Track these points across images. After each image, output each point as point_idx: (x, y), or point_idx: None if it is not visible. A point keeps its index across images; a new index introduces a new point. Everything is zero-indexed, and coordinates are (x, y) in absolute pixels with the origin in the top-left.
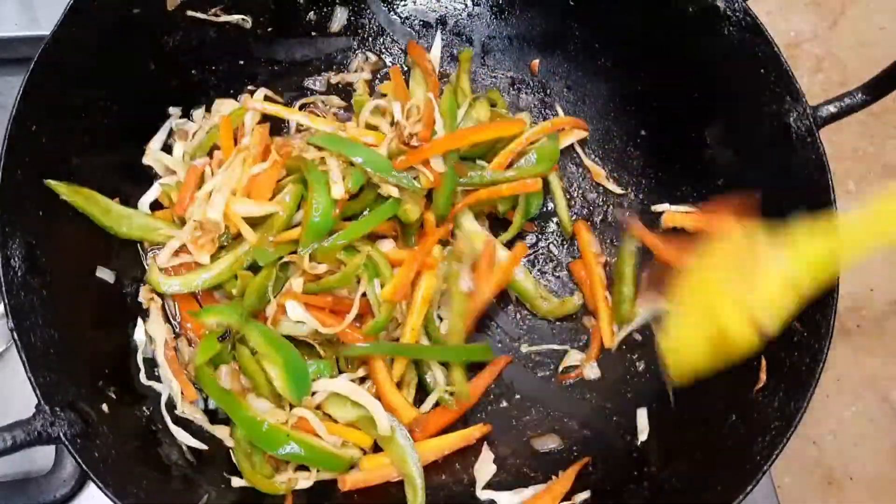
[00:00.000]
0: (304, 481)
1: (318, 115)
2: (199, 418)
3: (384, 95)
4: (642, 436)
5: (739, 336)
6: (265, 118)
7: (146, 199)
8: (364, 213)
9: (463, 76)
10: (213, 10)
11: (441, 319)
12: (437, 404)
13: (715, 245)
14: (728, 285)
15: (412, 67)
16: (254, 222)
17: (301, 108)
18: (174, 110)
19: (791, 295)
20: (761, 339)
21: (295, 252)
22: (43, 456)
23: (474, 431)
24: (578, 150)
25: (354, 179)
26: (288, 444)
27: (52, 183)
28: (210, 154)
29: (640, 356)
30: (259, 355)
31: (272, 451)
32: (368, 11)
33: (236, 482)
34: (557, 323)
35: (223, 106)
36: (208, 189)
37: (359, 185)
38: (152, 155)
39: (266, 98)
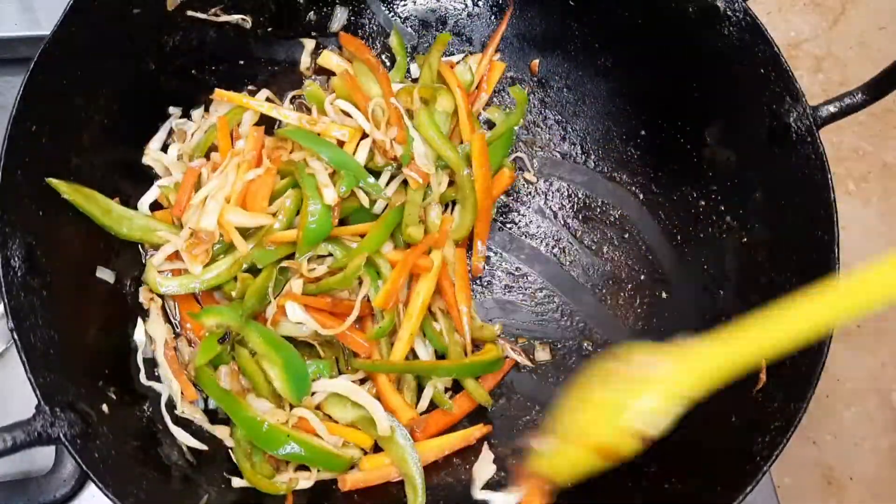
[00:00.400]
0: (305, 481)
1: (307, 107)
2: (199, 418)
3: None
4: None
5: (619, 446)
6: (262, 119)
7: (146, 200)
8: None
9: (434, 54)
10: (213, 10)
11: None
12: (436, 406)
13: (590, 371)
14: (602, 404)
15: (354, 62)
16: (247, 231)
17: (292, 99)
18: (174, 110)
19: (673, 401)
20: (644, 443)
21: (292, 256)
22: (43, 456)
23: (474, 431)
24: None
25: (346, 183)
26: (288, 444)
27: (53, 181)
28: (207, 155)
29: None
30: (258, 356)
31: (272, 451)
32: (368, 11)
33: (236, 482)
34: (563, 321)
35: (221, 105)
36: (203, 195)
37: (350, 189)
38: (152, 155)
39: (267, 100)
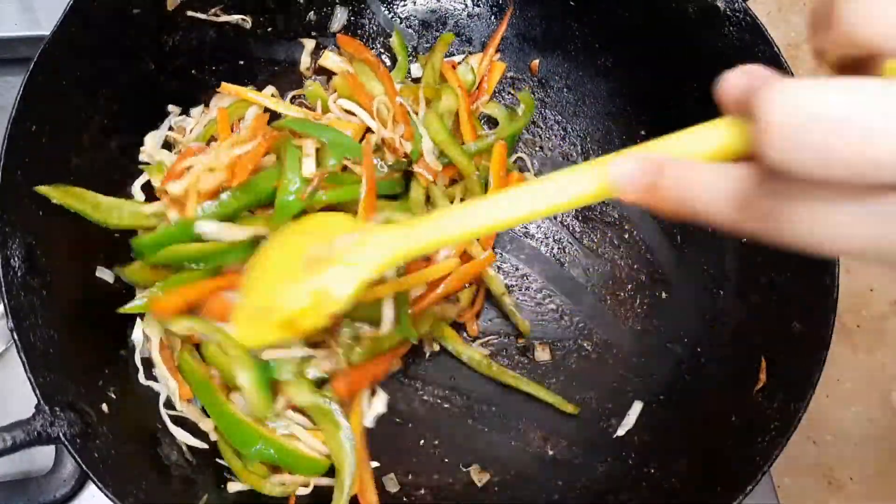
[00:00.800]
0: (303, 489)
1: (307, 107)
2: (197, 416)
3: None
4: (623, 430)
5: (304, 316)
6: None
7: (137, 183)
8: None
9: (437, 55)
10: (213, 10)
11: None
12: None
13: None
14: (293, 277)
15: (354, 62)
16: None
17: (292, 99)
18: (174, 109)
19: (356, 281)
20: (329, 317)
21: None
22: (43, 456)
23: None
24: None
25: (335, 155)
26: (258, 443)
27: (42, 189)
28: (207, 144)
29: (639, 355)
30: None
31: (243, 449)
32: (368, 11)
33: (232, 487)
34: (563, 321)
35: (223, 100)
36: (187, 164)
37: (339, 161)
38: (148, 151)
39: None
